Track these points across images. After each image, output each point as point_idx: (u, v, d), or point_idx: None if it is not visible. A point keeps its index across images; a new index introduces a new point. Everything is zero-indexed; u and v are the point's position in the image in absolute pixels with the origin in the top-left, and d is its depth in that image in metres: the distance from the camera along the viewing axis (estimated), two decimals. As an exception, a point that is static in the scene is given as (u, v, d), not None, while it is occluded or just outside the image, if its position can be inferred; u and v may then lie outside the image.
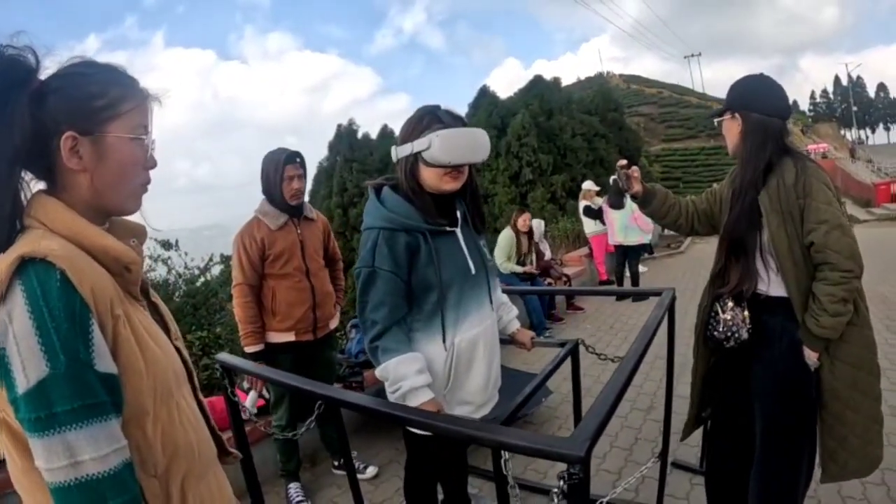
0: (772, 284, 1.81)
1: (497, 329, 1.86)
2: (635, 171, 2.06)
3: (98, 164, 0.89)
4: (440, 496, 2.21)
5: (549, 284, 6.40)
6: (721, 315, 1.89)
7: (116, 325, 0.85)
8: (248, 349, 2.57)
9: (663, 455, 2.36)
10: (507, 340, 2.05)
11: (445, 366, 1.65)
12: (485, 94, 21.32)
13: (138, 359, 0.87)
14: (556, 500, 0.97)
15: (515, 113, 19.39)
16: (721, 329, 1.88)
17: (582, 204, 7.70)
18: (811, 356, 1.72)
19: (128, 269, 0.91)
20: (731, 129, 1.86)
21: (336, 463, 3.05)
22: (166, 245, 5.24)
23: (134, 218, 1.03)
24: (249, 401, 2.82)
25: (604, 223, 7.28)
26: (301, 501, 2.74)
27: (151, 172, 0.99)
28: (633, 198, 2.11)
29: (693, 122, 48.39)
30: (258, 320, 2.59)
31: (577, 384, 2.39)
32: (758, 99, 1.82)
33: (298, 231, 2.66)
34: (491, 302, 1.78)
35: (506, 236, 6.12)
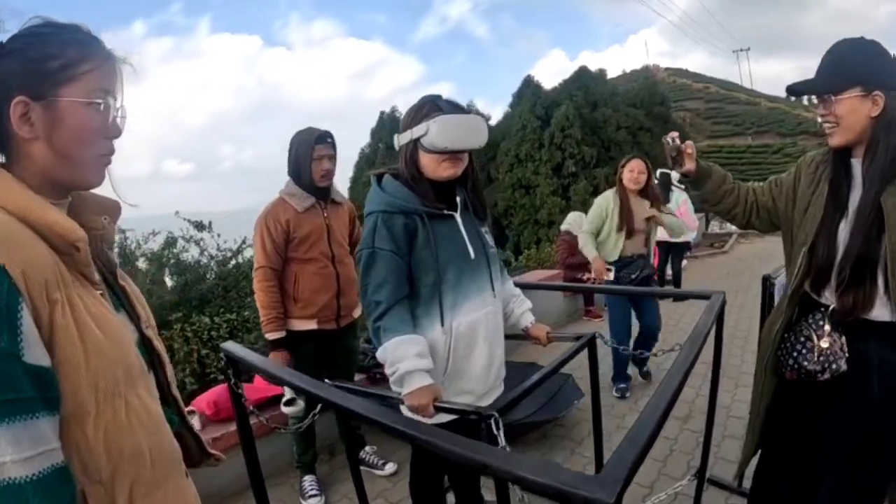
0: (879, 307, 1.48)
1: (500, 317, 1.82)
2: (689, 145, 1.78)
3: (52, 132, 0.81)
4: (453, 498, 2.11)
5: (589, 280, 6.18)
6: (816, 342, 1.57)
7: (53, 312, 0.75)
8: (270, 336, 2.46)
9: (701, 471, 2.18)
10: (521, 336, 1.99)
11: (445, 349, 1.64)
12: (528, 85, 21.07)
13: (78, 350, 0.77)
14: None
15: (559, 104, 19.12)
16: (816, 359, 1.56)
17: None
18: None
19: (76, 248, 0.81)
20: (859, 111, 1.45)
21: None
22: (199, 226, 5.23)
23: (106, 193, 0.93)
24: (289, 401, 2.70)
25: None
26: (315, 495, 2.64)
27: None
28: (684, 177, 1.83)
29: (740, 118, 46.87)
30: (280, 306, 2.48)
31: (596, 381, 2.23)
32: (892, 72, 1.45)
33: (325, 214, 2.54)
34: (493, 289, 1.75)
35: (599, 202, 3.86)
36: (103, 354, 0.80)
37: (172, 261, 4.80)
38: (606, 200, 3.79)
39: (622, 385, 3.81)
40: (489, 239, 1.80)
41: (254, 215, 2.58)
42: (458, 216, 1.71)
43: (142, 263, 4.60)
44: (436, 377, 1.59)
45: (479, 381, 1.72)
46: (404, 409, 1.59)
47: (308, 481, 2.69)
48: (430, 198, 1.63)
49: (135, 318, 0.97)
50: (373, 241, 1.59)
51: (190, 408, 2.80)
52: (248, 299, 5.12)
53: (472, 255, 1.69)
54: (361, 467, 2.86)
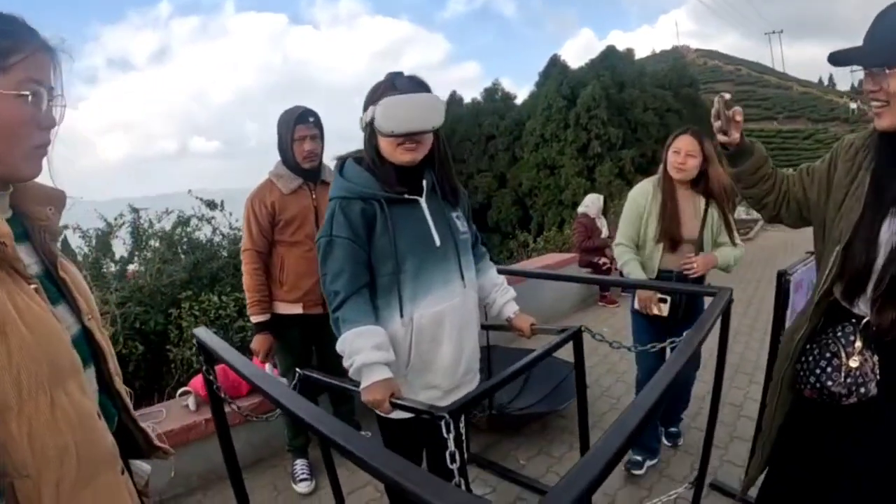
0: None
1: (473, 308, 1.71)
2: (738, 112, 1.51)
3: None
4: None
5: (605, 265, 6.07)
6: (844, 361, 1.35)
7: None
8: (254, 319, 2.44)
9: (699, 479, 2.07)
10: (504, 327, 1.91)
11: (406, 342, 1.57)
12: (555, 64, 20.74)
13: (0, 347, 0.76)
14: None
15: (586, 84, 18.79)
16: (843, 381, 1.35)
17: None
18: None
19: (3, 244, 0.80)
20: None
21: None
22: (211, 205, 5.24)
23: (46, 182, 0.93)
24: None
25: None
26: (305, 479, 2.61)
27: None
28: (725, 148, 1.60)
29: (771, 102, 45.76)
30: (265, 289, 2.45)
31: (582, 378, 2.10)
32: None
33: (313, 196, 2.47)
34: (462, 279, 1.65)
35: (634, 198, 2.67)
36: (27, 350, 0.79)
37: (185, 239, 4.82)
38: (644, 195, 2.61)
39: (637, 458, 2.62)
40: (460, 224, 1.69)
41: None
42: (423, 201, 1.61)
43: (154, 242, 4.62)
44: (397, 371, 1.53)
45: (446, 377, 1.64)
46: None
47: (299, 465, 2.67)
48: (390, 182, 1.55)
49: (76, 309, 0.96)
50: (330, 229, 1.53)
51: (185, 388, 2.80)
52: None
53: (438, 242, 1.60)
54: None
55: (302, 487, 2.60)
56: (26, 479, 0.79)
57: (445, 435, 1.25)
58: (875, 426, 1.36)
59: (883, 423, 1.35)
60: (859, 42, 1.29)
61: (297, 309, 2.47)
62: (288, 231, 2.42)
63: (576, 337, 1.89)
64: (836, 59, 1.33)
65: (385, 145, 1.53)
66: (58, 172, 0.93)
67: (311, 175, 2.47)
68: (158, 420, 2.61)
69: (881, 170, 1.32)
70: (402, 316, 1.56)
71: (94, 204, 4.76)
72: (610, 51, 20.80)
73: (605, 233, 6.53)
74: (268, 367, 2.55)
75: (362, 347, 1.45)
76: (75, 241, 4.48)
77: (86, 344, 0.96)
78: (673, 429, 2.88)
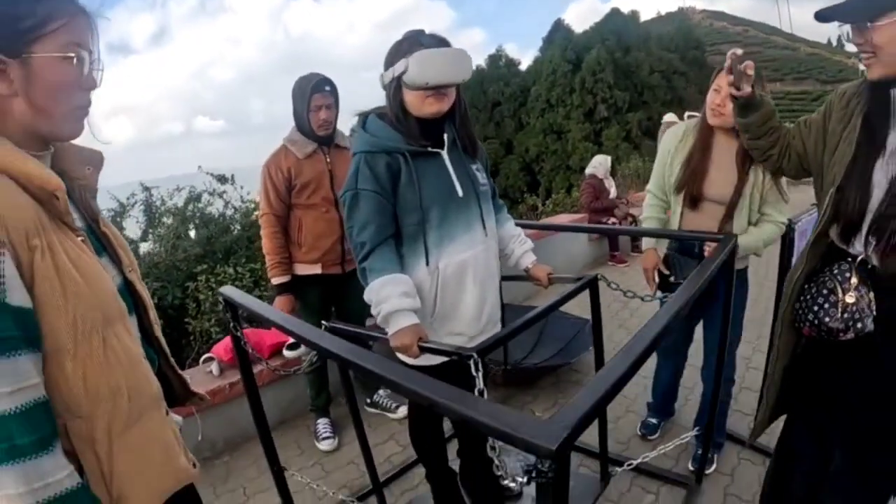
0: None
1: (494, 257, 1.78)
2: (750, 66, 1.58)
3: (29, 87, 0.85)
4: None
5: (613, 224, 6.09)
6: (841, 297, 1.39)
7: (33, 257, 0.81)
8: (275, 280, 2.52)
9: (708, 424, 2.14)
10: (522, 277, 1.94)
11: (431, 290, 1.62)
12: (559, 29, 20.43)
13: (57, 293, 0.83)
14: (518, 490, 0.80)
15: (590, 48, 18.49)
16: (840, 316, 1.38)
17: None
18: None
19: (55, 197, 0.86)
20: None
21: (368, 400, 3.01)
22: (222, 179, 5.29)
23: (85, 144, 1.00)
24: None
25: None
26: (328, 437, 2.72)
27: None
28: (735, 100, 1.66)
29: (779, 63, 44.92)
30: (285, 251, 2.52)
31: (598, 326, 2.13)
32: None
33: (328, 160, 2.52)
34: (484, 228, 1.71)
35: (666, 140, 2.31)
36: (81, 296, 0.85)
37: (197, 214, 4.88)
38: (674, 137, 2.25)
39: (653, 420, 2.66)
40: (480, 176, 1.74)
41: None
42: (444, 154, 1.66)
43: (167, 219, 4.69)
44: (423, 318, 1.57)
45: (470, 324, 1.70)
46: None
47: (322, 424, 2.77)
48: (414, 136, 1.59)
49: (117, 262, 1.02)
50: (356, 182, 1.56)
51: (209, 354, 2.88)
52: (274, 248, 5.21)
53: (461, 193, 1.65)
54: (375, 410, 2.97)
55: (325, 445, 2.70)
56: (78, 419, 0.86)
57: (475, 373, 1.31)
58: (871, 360, 1.41)
59: (879, 357, 1.40)
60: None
61: (316, 269, 2.54)
62: (304, 194, 2.47)
63: (592, 285, 1.92)
64: (823, 15, 1.37)
65: (412, 99, 1.56)
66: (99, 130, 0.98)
67: (325, 140, 2.51)
68: (184, 387, 2.70)
69: (872, 115, 1.37)
70: (427, 264, 1.61)
71: (103, 188, 4.82)
72: (614, 13, 20.39)
73: (613, 193, 6.53)
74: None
75: (390, 295, 1.50)
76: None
77: (128, 294, 1.02)
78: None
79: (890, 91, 1.34)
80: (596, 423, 2.11)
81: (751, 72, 1.58)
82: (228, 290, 1.70)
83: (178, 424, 1.22)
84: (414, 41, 1.54)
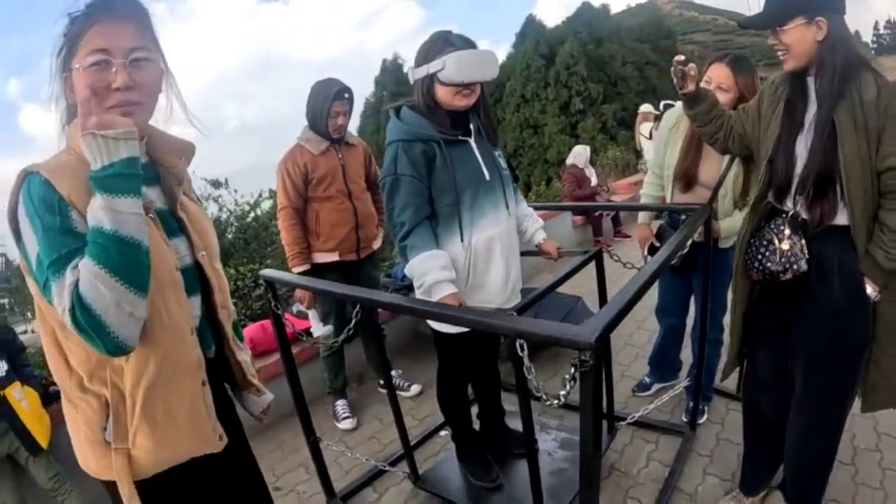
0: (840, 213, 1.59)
1: (515, 233, 1.98)
2: (692, 68, 1.87)
3: (75, 97, 1.00)
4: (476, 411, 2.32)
5: (597, 212, 6.32)
6: (777, 245, 1.67)
7: None
8: (295, 269, 2.68)
9: (697, 376, 2.39)
10: (534, 252, 2.14)
11: (465, 263, 1.79)
12: (531, 24, 20.61)
13: None
14: (567, 387, 1.02)
15: (563, 42, 18.73)
16: (778, 260, 1.66)
17: (645, 127, 7.20)
18: (873, 289, 1.57)
19: None
20: (804, 38, 1.55)
21: (382, 381, 3.17)
22: (216, 184, 5.42)
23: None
24: (315, 328, 2.83)
25: None
26: (347, 417, 2.90)
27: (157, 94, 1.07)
28: (683, 96, 1.92)
29: (750, 50, 45.71)
30: (304, 242, 2.70)
31: (603, 291, 2.39)
32: None
33: (340, 156, 2.72)
34: (507, 207, 1.89)
35: (667, 118, 2.51)
36: None
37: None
38: (668, 121, 2.47)
39: (647, 379, 2.94)
40: (502, 162, 1.94)
41: (265, 171, 2.77)
42: (472, 141, 1.83)
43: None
44: (458, 289, 1.74)
45: (498, 293, 1.88)
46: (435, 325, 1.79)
47: (340, 405, 2.96)
48: (445, 125, 1.76)
49: (191, 244, 1.14)
50: (395, 168, 1.73)
51: (230, 345, 3.03)
52: (270, 249, 5.35)
53: (487, 176, 1.83)
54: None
55: (345, 424, 2.89)
56: (116, 361, 1.00)
57: None
58: (807, 295, 1.68)
59: (815, 298, 1.67)
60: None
61: (333, 257, 2.73)
62: (321, 188, 2.66)
63: (597, 257, 2.21)
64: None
65: (443, 93, 1.73)
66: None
67: (337, 138, 2.70)
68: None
69: (793, 99, 1.66)
70: (462, 240, 1.78)
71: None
72: (585, 7, 20.71)
73: (594, 181, 6.77)
74: (311, 313, 2.80)
75: (431, 268, 1.69)
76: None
77: (195, 275, 1.13)
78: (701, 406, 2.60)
79: (806, 79, 1.63)
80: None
81: (693, 73, 1.85)
82: (268, 272, 1.89)
83: (265, 403, 1.36)
84: (446, 41, 1.72)
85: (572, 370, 1.04)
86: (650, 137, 6.90)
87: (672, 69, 1.87)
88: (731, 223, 2.28)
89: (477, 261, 1.81)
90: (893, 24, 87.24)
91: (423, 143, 1.74)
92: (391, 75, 21.79)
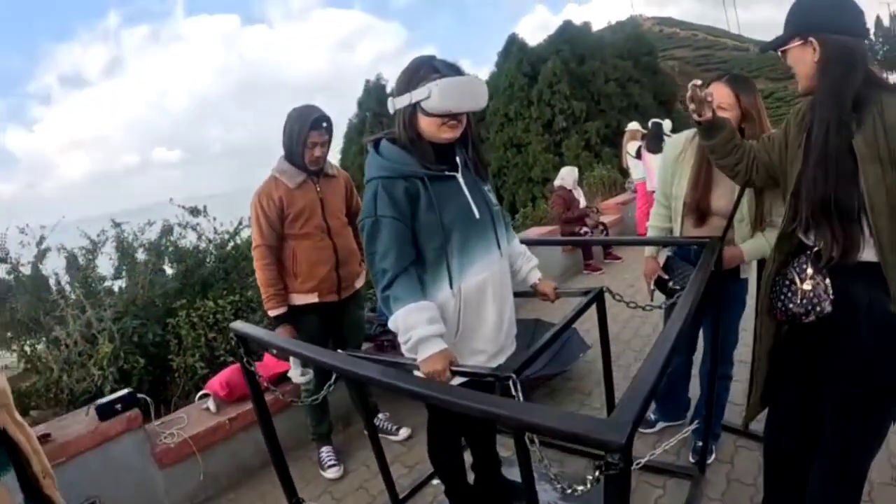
0: (866, 249, 1.47)
1: (508, 276, 1.82)
2: (710, 93, 1.75)
3: None
4: (469, 458, 2.15)
5: (586, 234, 6.23)
6: (799, 286, 1.57)
7: None
8: (272, 313, 2.49)
9: (707, 416, 2.25)
10: (529, 293, 1.98)
11: (454, 312, 1.64)
12: (514, 42, 20.72)
13: None
14: (589, 486, 0.85)
15: (546, 60, 18.83)
16: (799, 301, 1.56)
17: (633, 145, 7.10)
18: None
19: None
20: (804, 59, 1.52)
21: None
22: (194, 212, 5.21)
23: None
24: (294, 373, 2.61)
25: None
26: (333, 465, 2.71)
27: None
28: (698, 125, 1.81)
29: (730, 65, 46.38)
30: (280, 282, 2.50)
31: (605, 336, 2.22)
32: (834, 16, 1.47)
33: (318, 189, 2.54)
34: (499, 248, 1.74)
35: (667, 153, 2.37)
36: None
37: (171, 248, 4.79)
38: (674, 148, 2.31)
39: (651, 416, 2.76)
40: (492, 197, 1.78)
41: (249, 195, 2.58)
42: (459, 176, 1.68)
43: (140, 254, 4.60)
44: (447, 340, 1.58)
45: (491, 341, 1.72)
46: (419, 375, 1.58)
47: (325, 452, 2.76)
48: (429, 159, 1.60)
49: None
50: (375, 209, 1.56)
51: (204, 391, 2.85)
52: (251, 279, 5.14)
53: (477, 215, 1.67)
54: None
55: (331, 473, 2.69)
56: None
57: (514, 393, 1.34)
58: (833, 339, 1.56)
59: (840, 342, 1.55)
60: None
61: (313, 298, 2.54)
62: (297, 224, 2.48)
63: (599, 298, 2.00)
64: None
65: (427, 124, 1.58)
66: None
67: (315, 170, 2.53)
68: (181, 426, 2.65)
69: (810, 126, 1.54)
70: (451, 287, 1.63)
71: (64, 223, 4.66)
72: (567, 25, 20.87)
73: (583, 203, 6.68)
74: (291, 358, 2.59)
75: (417, 322, 1.52)
76: (61, 262, 4.44)
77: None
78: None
79: None
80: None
81: (711, 98, 1.74)
82: (239, 325, 1.71)
83: None
84: (430, 68, 1.57)
85: (596, 472, 0.87)
86: (637, 157, 6.85)
87: (688, 95, 1.74)
88: (753, 245, 2.12)
89: (467, 308, 1.66)
90: (868, 36, 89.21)
91: (405, 179, 1.58)
92: (374, 96, 21.71)
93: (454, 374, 1.50)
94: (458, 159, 1.70)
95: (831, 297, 1.51)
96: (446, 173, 1.65)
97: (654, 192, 6.14)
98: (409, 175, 1.58)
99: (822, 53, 1.47)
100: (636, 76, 19.92)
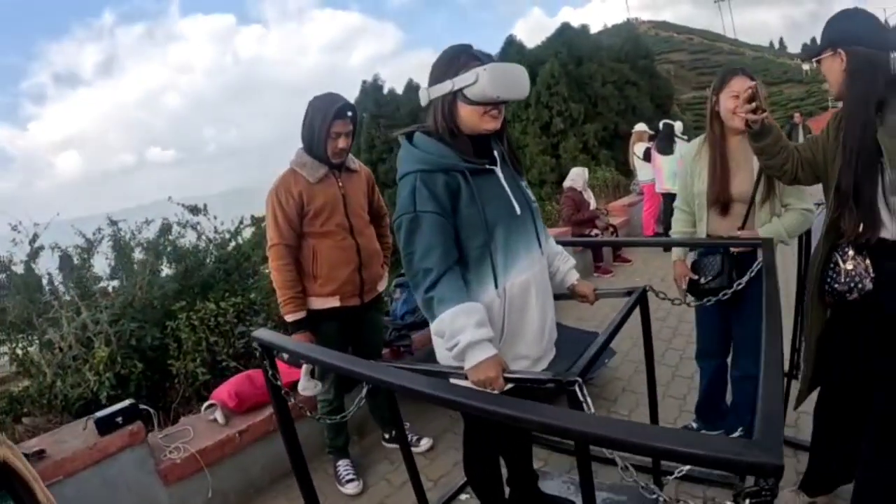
0: (893, 228, 1.63)
1: (547, 276, 1.73)
2: (763, 97, 1.88)
3: None
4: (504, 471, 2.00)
5: (596, 235, 6.10)
6: (842, 266, 1.71)
7: None
8: (289, 318, 2.30)
9: (751, 421, 2.09)
10: (566, 295, 1.86)
11: (499, 314, 1.54)
12: (511, 44, 20.62)
13: None
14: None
15: (544, 62, 18.74)
16: (843, 280, 1.70)
17: (640, 147, 7.03)
18: None
19: None
20: (834, 69, 1.71)
21: (387, 436, 2.82)
22: (194, 210, 5.03)
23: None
24: (304, 384, 2.39)
25: None
26: (351, 480, 2.52)
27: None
28: (749, 127, 1.90)
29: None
30: (298, 285, 2.30)
31: (649, 338, 2.11)
32: (860, 31, 1.67)
33: (340, 184, 2.36)
34: (540, 246, 1.66)
35: (683, 159, 2.53)
36: None
37: (169, 248, 4.59)
38: (691, 154, 2.41)
39: (693, 425, 2.65)
40: (529, 193, 1.69)
41: (245, 195, 2.40)
42: (498, 170, 1.59)
43: (138, 254, 4.41)
44: (493, 344, 1.45)
45: (534, 345, 1.62)
46: (460, 382, 1.45)
47: (343, 466, 2.57)
48: (469, 152, 1.51)
49: None
50: (413, 205, 1.45)
51: (211, 401, 2.65)
52: (251, 280, 4.98)
53: (518, 210, 1.58)
54: (395, 445, 2.75)
55: (350, 489, 2.50)
56: None
57: (582, 399, 1.24)
58: (875, 314, 1.69)
59: (880, 310, 1.67)
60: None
61: (333, 302, 2.35)
62: (318, 221, 2.29)
63: (642, 298, 1.90)
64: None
65: (468, 114, 1.49)
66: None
67: (337, 163, 2.35)
68: (187, 440, 2.44)
69: (842, 126, 1.73)
70: (496, 286, 1.52)
71: (58, 222, 4.49)
72: (565, 27, 20.80)
73: (592, 204, 6.55)
74: (304, 367, 2.37)
75: (465, 326, 1.40)
76: (55, 262, 4.25)
77: None
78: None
79: None
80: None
81: (761, 104, 1.86)
82: (263, 334, 1.52)
83: None
84: (470, 55, 1.50)
85: (746, 501, 0.80)
86: (645, 158, 6.76)
87: (747, 95, 1.82)
88: (767, 230, 2.18)
89: (512, 309, 1.55)
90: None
91: (445, 173, 1.48)
92: (371, 97, 21.55)
93: (507, 381, 1.37)
94: (495, 153, 1.61)
95: (871, 275, 1.65)
96: (487, 167, 1.56)
97: (662, 193, 6.07)
98: (449, 168, 1.48)
99: (849, 63, 1.65)
100: (633, 79, 19.85)
